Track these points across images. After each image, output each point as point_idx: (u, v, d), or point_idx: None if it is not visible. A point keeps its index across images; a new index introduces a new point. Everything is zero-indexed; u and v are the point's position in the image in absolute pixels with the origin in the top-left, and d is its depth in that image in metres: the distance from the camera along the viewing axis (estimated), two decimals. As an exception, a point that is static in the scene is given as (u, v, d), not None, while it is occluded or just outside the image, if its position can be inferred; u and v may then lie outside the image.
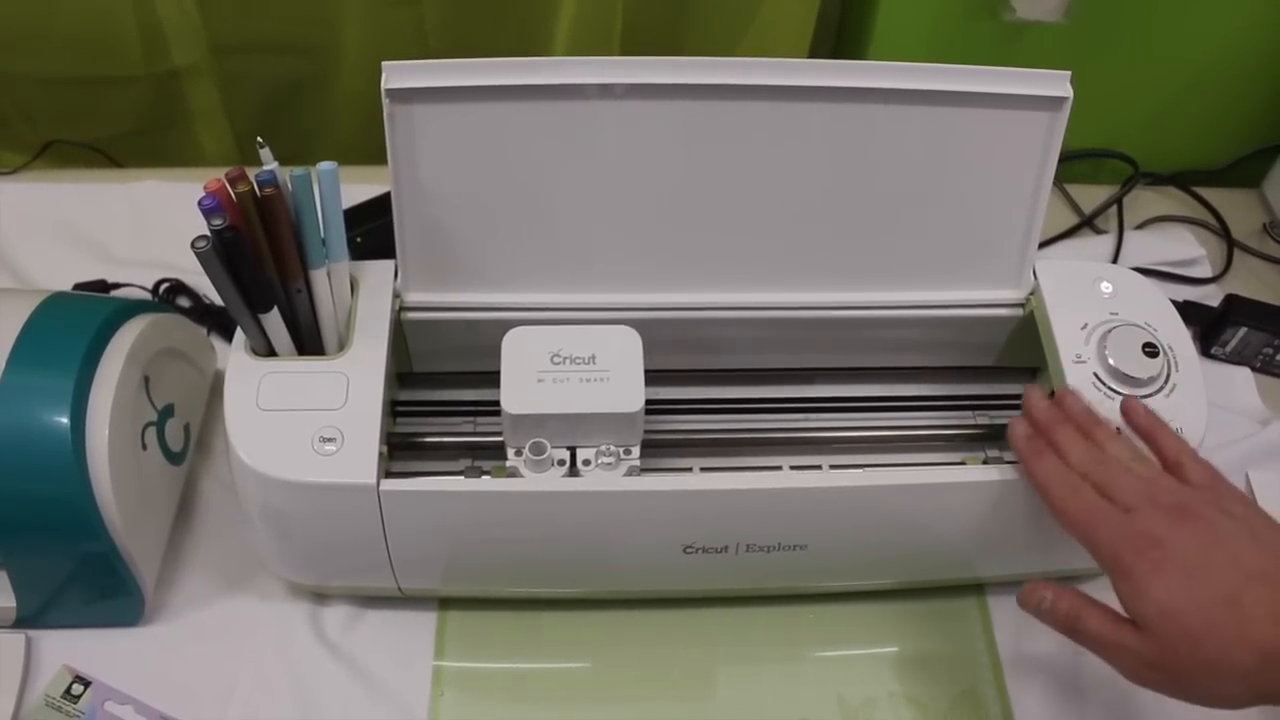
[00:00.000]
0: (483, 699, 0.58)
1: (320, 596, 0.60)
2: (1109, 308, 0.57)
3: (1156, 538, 0.46)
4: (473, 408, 0.60)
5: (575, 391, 0.51)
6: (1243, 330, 0.74)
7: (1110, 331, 0.56)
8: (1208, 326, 0.75)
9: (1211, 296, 0.78)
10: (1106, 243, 0.80)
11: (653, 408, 0.52)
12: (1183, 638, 0.44)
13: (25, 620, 0.57)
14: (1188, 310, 0.73)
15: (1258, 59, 0.81)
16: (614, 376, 0.51)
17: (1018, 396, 0.60)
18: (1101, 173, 0.86)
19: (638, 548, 0.55)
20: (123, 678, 0.57)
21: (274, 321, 0.52)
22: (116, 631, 0.58)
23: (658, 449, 0.57)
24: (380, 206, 0.71)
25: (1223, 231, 0.83)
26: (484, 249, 0.56)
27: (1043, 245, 0.78)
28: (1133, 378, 0.54)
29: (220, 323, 0.72)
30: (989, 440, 0.61)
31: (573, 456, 0.52)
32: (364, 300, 0.55)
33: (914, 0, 0.78)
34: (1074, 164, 0.84)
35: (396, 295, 0.57)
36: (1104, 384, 0.55)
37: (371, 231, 0.70)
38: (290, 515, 0.52)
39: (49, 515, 0.52)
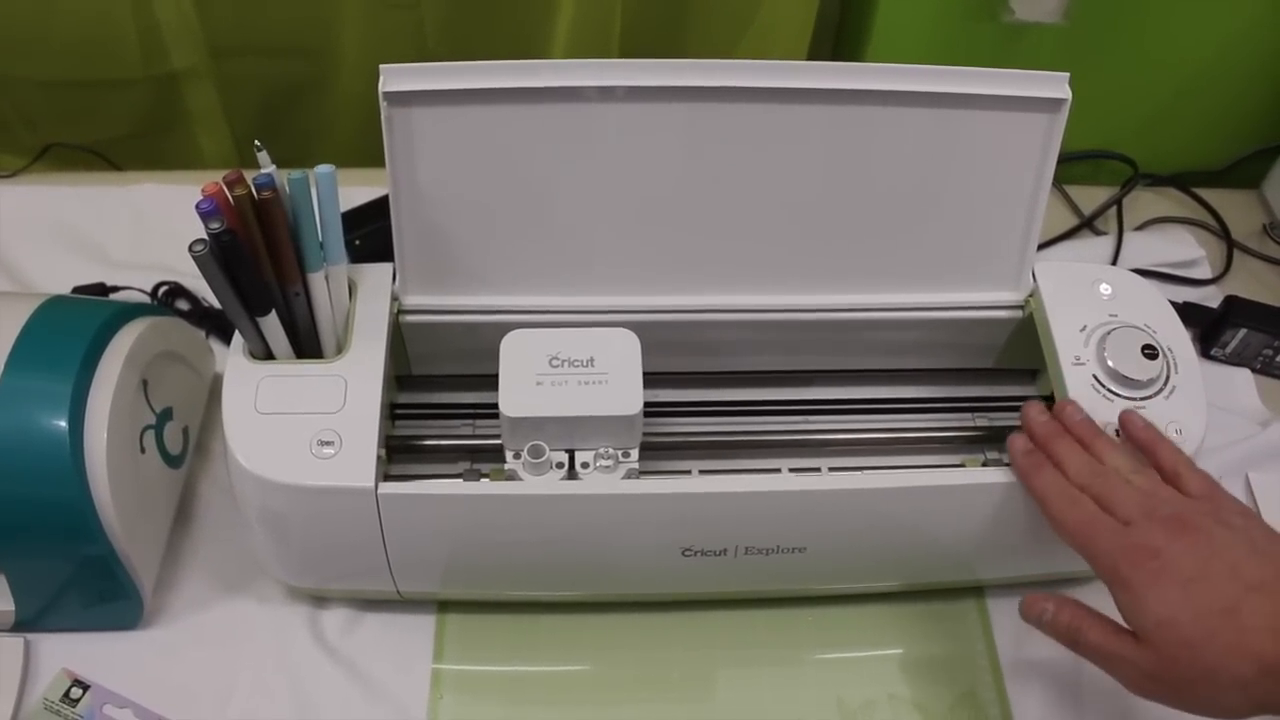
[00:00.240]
0: (482, 702, 0.58)
1: (319, 600, 0.60)
2: (1108, 309, 0.57)
3: (1154, 549, 0.46)
4: (471, 410, 0.60)
5: (574, 394, 0.51)
6: (1242, 331, 0.73)
7: (1109, 333, 0.56)
8: (1208, 328, 0.75)
9: (1211, 298, 0.77)
10: (1106, 244, 0.80)
11: (651, 410, 0.52)
12: (1181, 648, 0.44)
13: (24, 623, 0.57)
14: (1187, 311, 0.73)
15: (1257, 59, 0.81)
16: (612, 379, 0.51)
17: (1017, 398, 0.60)
18: (1101, 174, 0.85)
19: (636, 550, 0.55)
20: (121, 681, 0.57)
21: (272, 325, 0.52)
22: (115, 635, 0.58)
23: (656, 452, 0.57)
24: (379, 209, 0.71)
25: (1222, 232, 0.83)
26: (482, 252, 0.56)
27: (1042, 246, 0.78)
28: (1132, 380, 0.54)
29: (219, 326, 0.72)
30: (988, 442, 0.61)
31: (571, 459, 0.52)
32: (362, 303, 0.55)
33: (913, 1, 0.78)
34: (1073, 165, 0.84)
35: (395, 298, 0.57)
36: (1103, 386, 0.55)
37: (370, 234, 0.70)
38: (288, 519, 0.52)
39: (47, 519, 0.52)
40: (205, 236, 0.47)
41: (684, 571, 0.55)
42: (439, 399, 0.61)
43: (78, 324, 0.54)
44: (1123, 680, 0.47)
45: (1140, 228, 0.83)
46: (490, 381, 0.51)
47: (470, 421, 0.60)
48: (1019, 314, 0.59)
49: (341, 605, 0.60)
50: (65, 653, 0.57)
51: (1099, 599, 0.48)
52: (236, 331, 0.53)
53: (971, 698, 0.59)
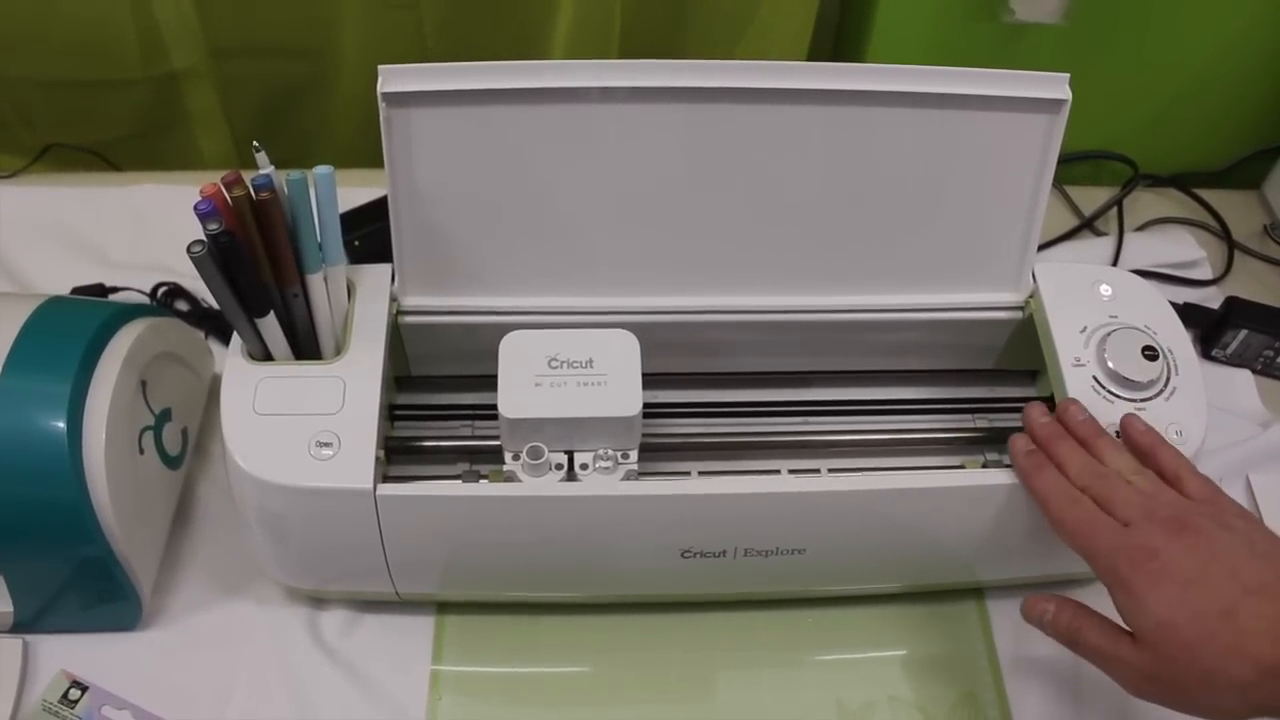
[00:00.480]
0: (481, 703, 0.58)
1: (318, 601, 0.60)
2: (1108, 310, 0.57)
3: (1153, 550, 0.46)
4: (470, 412, 0.60)
5: (573, 395, 0.51)
6: (1243, 332, 0.73)
7: (1110, 335, 0.56)
8: (1208, 329, 0.75)
9: (1212, 299, 0.77)
10: (1107, 244, 0.80)
11: (650, 411, 0.52)
12: (1179, 649, 0.44)
13: (22, 625, 0.57)
14: (1188, 312, 0.73)
15: (1258, 60, 0.81)
16: (611, 380, 0.51)
17: (1017, 399, 0.60)
18: (1102, 174, 0.85)
19: (636, 552, 0.55)
20: (120, 682, 0.57)
21: (270, 326, 0.52)
22: (114, 636, 0.58)
23: (656, 453, 0.57)
24: (378, 210, 0.71)
25: (1223, 233, 0.83)
26: (481, 253, 0.56)
27: (1043, 247, 0.78)
28: (1132, 381, 0.54)
29: (218, 327, 0.72)
30: (988, 443, 0.61)
31: (570, 461, 0.52)
32: (361, 304, 0.55)
33: (913, 2, 0.78)
34: (1074, 166, 0.84)
35: (393, 299, 0.56)
36: (1103, 387, 0.55)
37: (369, 235, 0.70)
38: (287, 520, 0.52)
39: (46, 520, 0.52)
40: (203, 238, 0.47)
41: (683, 573, 0.55)
42: (438, 400, 0.61)
43: (76, 325, 0.54)
44: (1121, 681, 0.47)
45: (1141, 228, 0.83)
46: (489, 382, 0.51)
47: (469, 422, 0.60)
48: (1019, 315, 0.59)
49: (340, 606, 0.60)
50: (64, 654, 0.57)
51: (1100, 600, 0.48)
52: (235, 332, 0.53)
53: (971, 699, 0.59)
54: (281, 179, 0.49)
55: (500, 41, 0.83)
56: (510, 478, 0.52)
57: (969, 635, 0.61)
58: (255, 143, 0.48)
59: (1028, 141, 0.55)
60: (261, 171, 0.48)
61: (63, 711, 0.55)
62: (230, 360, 0.53)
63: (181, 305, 0.73)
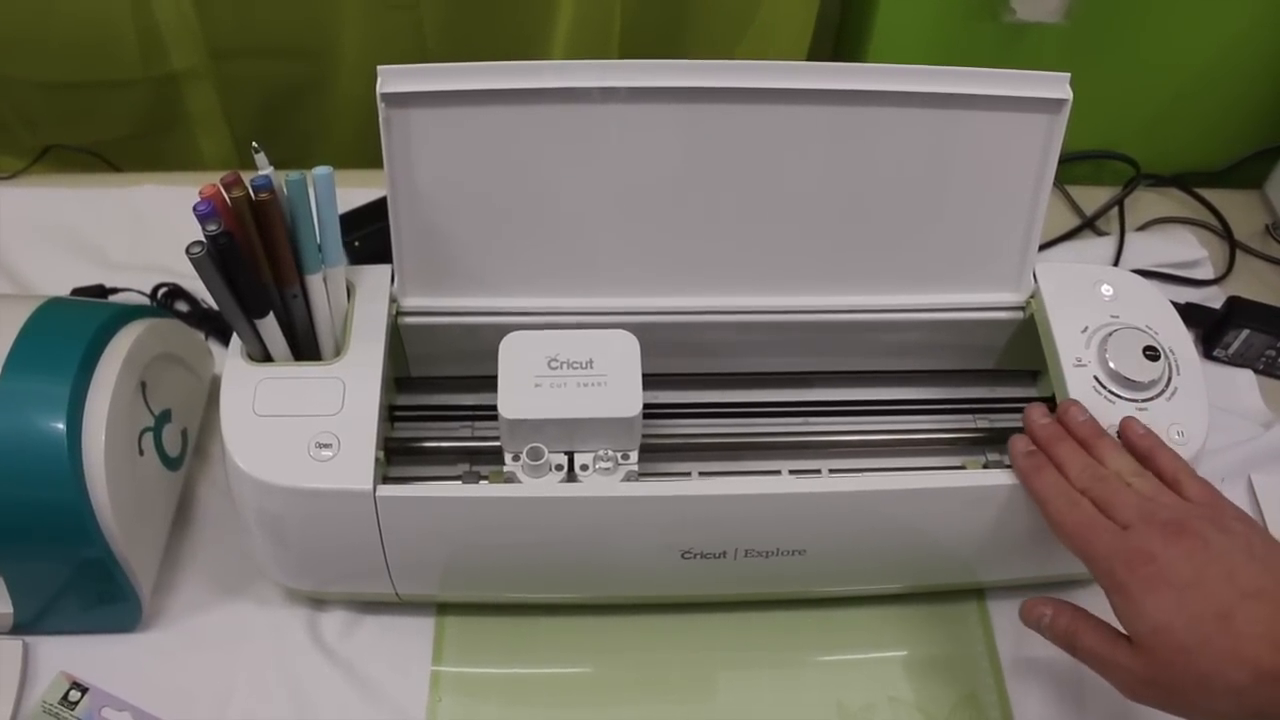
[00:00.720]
0: (481, 704, 0.58)
1: (318, 602, 0.60)
2: (1109, 310, 0.57)
3: (1150, 554, 0.45)
4: (470, 412, 0.60)
5: (573, 396, 0.51)
6: (1245, 332, 0.73)
7: (1111, 335, 0.56)
8: (1210, 328, 0.75)
9: (1214, 298, 0.77)
10: (1108, 244, 0.80)
11: (651, 412, 0.52)
12: (1175, 654, 0.44)
13: (22, 626, 0.57)
14: (1190, 312, 0.73)
15: (1259, 59, 0.81)
16: (611, 381, 0.51)
17: (1018, 400, 0.60)
18: (1103, 174, 0.85)
19: (636, 553, 0.54)
20: (120, 684, 0.57)
21: (270, 327, 0.52)
22: (114, 637, 0.58)
23: (656, 453, 0.57)
24: (378, 211, 0.70)
25: (1225, 233, 0.83)
26: (480, 253, 0.56)
27: (1044, 247, 0.78)
28: (1133, 381, 0.54)
29: (218, 327, 0.72)
30: (989, 444, 0.61)
31: (570, 461, 0.52)
32: (360, 305, 0.55)
33: (914, 1, 0.78)
34: (1075, 165, 0.84)
35: (393, 300, 0.56)
36: (1104, 387, 0.54)
37: (369, 236, 0.70)
38: (286, 521, 0.52)
39: (45, 521, 0.52)
40: (202, 239, 0.47)
41: (684, 574, 0.55)
42: (438, 401, 0.61)
43: (76, 326, 0.54)
44: (1118, 685, 0.47)
45: (1142, 228, 0.82)
46: (489, 383, 0.51)
47: (469, 423, 0.59)
48: (1020, 315, 0.59)
49: (340, 608, 0.60)
50: (64, 655, 0.57)
51: (1101, 602, 0.48)
52: (235, 334, 0.53)
53: (972, 700, 0.59)
54: (280, 180, 0.49)
55: (500, 42, 0.83)
56: (510, 479, 0.52)
57: (970, 636, 0.61)
58: (254, 143, 0.48)
59: (1029, 141, 0.55)
60: (260, 172, 0.48)
61: (62, 713, 0.55)
62: (230, 361, 0.53)
63: (181, 306, 0.73)
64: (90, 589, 0.56)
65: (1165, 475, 0.50)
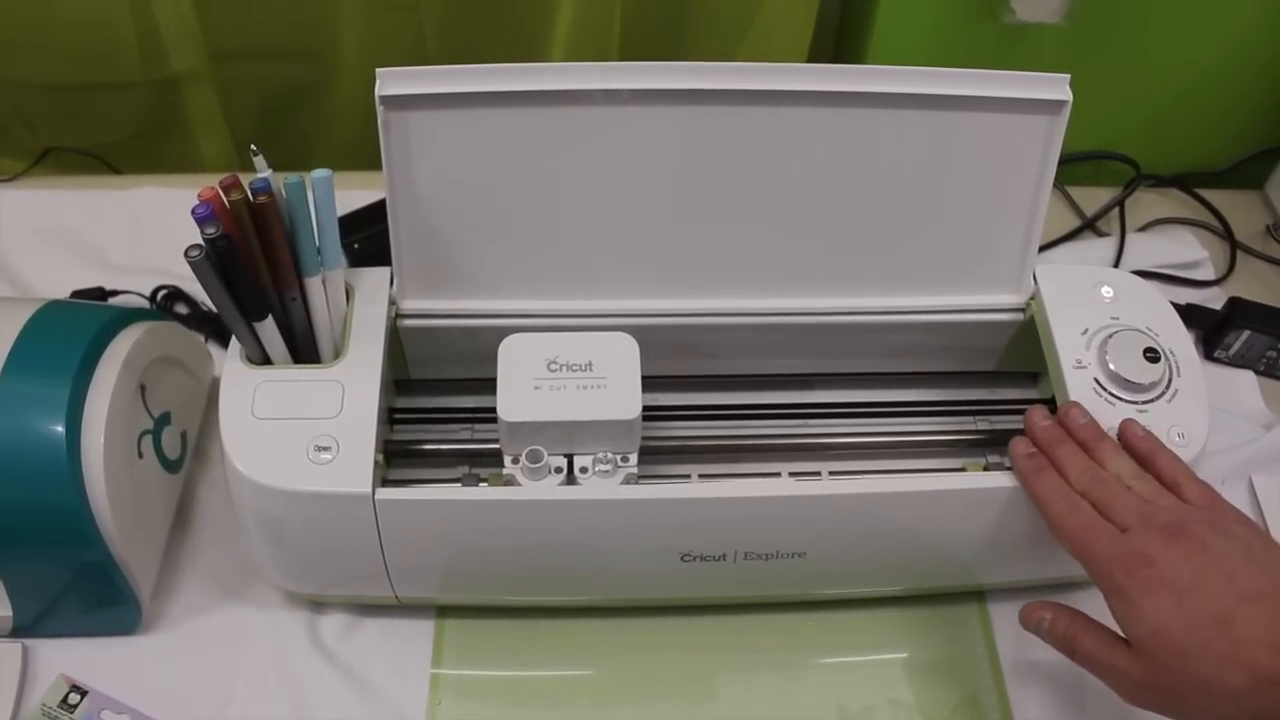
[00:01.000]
0: (480, 707, 0.58)
1: (317, 605, 0.60)
2: (1110, 312, 0.57)
3: (1149, 557, 0.45)
4: (470, 415, 0.60)
5: (572, 399, 0.51)
6: (1246, 333, 0.73)
7: (1111, 336, 0.55)
8: (1211, 330, 0.74)
9: (1214, 299, 0.77)
10: (1108, 245, 0.80)
11: (650, 414, 0.52)
12: (1174, 657, 0.44)
13: (22, 629, 0.57)
14: (1190, 313, 0.73)
15: (1259, 60, 0.81)
16: (611, 383, 0.51)
17: (1018, 402, 0.60)
18: (1103, 175, 0.85)
19: (635, 556, 0.54)
20: (119, 687, 0.57)
21: (269, 330, 0.52)
22: (113, 640, 0.58)
23: (656, 456, 0.57)
24: (378, 213, 0.70)
25: (1225, 233, 0.83)
26: (480, 255, 0.56)
27: (1044, 248, 0.78)
28: (1134, 383, 0.54)
29: (218, 330, 0.72)
30: (989, 445, 0.61)
31: (570, 464, 0.52)
32: (359, 307, 0.55)
33: (914, 2, 0.77)
34: (1075, 166, 0.84)
35: (392, 302, 0.56)
36: (1105, 389, 0.54)
37: (370, 237, 0.70)
38: (286, 524, 0.52)
39: (44, 524, 0.52)
40: (201, 242, 0.47)
41: (683, 576, 0.55)
42: (437, 403, 0.61)
43: (75, 328, 0.54)
44: (1117, 689, 0.47)
45: (1143, 229, 0.82)
46: (489, 385, 0.51)
47: (469, 426, 0.59)
48: (1020, 317, 0.59)
49: (340, 610, 0.60)
50: (63, 658, 0.57)
51: (1101, 605, 0.48)
52: (233, 336, 0.53)
53: (973, 702, 0.59)
54: (279, 182, 0.49)
55: (500, 43, 0.83)
56: (510, 481, 0.52)
57: (970, 638, 0.61)
58: (253, 146, 0.48)
59: (1029, 142, 0.54)
60: (259, 175, 0.48)
61: (62, 716, 0.55)
62: (229, 364, 0.53)
63: (181, 308, 0.73)
64: (90, 592, 0.56)
65: (1165, 478, 0.50)
